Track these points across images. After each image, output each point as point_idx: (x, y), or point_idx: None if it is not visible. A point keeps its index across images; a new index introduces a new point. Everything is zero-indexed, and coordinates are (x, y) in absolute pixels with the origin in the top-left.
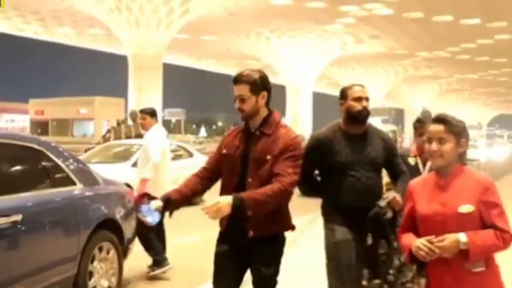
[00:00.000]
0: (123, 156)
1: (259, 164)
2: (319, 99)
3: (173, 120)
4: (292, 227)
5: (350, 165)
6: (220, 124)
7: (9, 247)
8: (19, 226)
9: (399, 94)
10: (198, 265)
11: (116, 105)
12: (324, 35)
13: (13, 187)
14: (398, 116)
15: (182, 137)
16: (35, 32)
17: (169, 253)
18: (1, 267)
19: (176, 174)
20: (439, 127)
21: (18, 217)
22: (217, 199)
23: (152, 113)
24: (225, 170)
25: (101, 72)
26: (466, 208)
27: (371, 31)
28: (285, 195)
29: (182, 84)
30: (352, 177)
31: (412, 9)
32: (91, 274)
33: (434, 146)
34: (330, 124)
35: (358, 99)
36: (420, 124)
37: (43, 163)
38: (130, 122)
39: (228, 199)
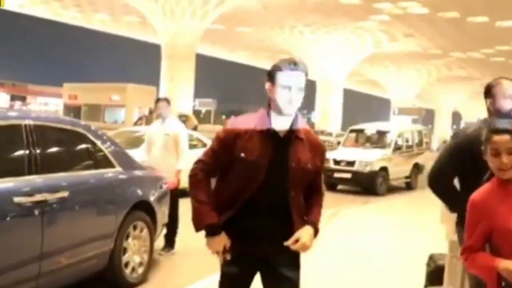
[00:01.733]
0: (132, 143)
1: (301, 175)
2: (350, 95)
3: (203, 110)
4: None
5: None
6: None
7: (55, 221)
8: (65, 202)
9: (431, 94)
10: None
11: (148, 93)
12: (358, 32)
13: (61, 166)
14: (428, 116)
15: (211, 127)
16: (72, 17)
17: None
18: (47, 239)
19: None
20: (506, 137)
21: (65, 194)
22: (300, 235)
23: (169, 101)
24: (239, 174)
25: (135, 60)
26: None
27: (405, 29)
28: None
29: (214, 75)
30: None
31: (447, 9)
32: (125, 250)
33: (505, 158)
34: (475, 122)
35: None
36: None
37: (87, 146)
38: None
39: (309, 232)
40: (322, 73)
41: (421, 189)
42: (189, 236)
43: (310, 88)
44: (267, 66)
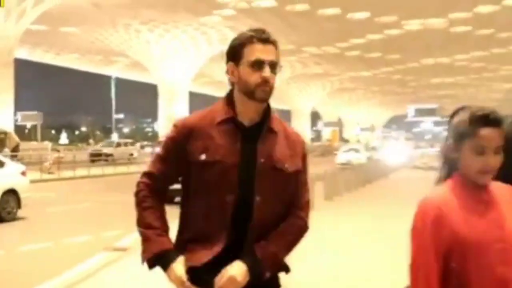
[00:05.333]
0: None
1: (273, 176)
2: (197, 99)
3: (28, 125)
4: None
5: None
6: (84, 129)
7: None
8: None
9: (286, 94)
10: None
11: None
12: (202, 29)
13: None
14: (284, 117)
15: (37, 144)
16: None
17: None
18: None
19: None
20: (496, 133)
21: None
22: (227, 271)
23: None
24: (207, 186)
25: None
26: None
27: (253, 24)
28: (305, 234)
29: (39, 83)
30: None
31: (296, 1)
32: None
33: (493, 159)
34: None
35: None
36: None
37: None
38: None
39: (241, 268)
40: (164, 76)
41: None
42: None
43: (152, 93)
44: (101, 70)
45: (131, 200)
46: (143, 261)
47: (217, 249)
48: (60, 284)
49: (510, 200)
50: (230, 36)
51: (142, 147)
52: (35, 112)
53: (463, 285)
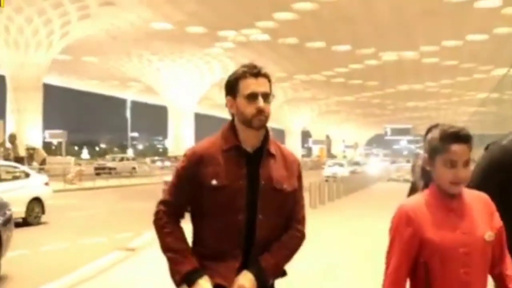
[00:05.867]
0: None
1: (273, 196)
2: (201, 120)
3: (55, 142)
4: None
5: None
6: (103, 145)
7: None
8: None
9: (280, 115)
10: None
11: None
12: (205, 58)
13: None
14: (278, 136)
15: (62, 159)
16: None
17: None
18: None
19: (12, 195)
20: (465, 148)
21: None
22: (238, 280)
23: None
24: (219, 208)
25: None
26: (489, 235)
27: (250, 54)
28: (302, 244)
29: (64, 105)
30: None
31: (287, 35)
32: None
33: (462, 171)
34: (508, 133)
35: None
36: None
37: None
38: (8, 144)
39: (249, 278)
40: (173, 100)
41: None
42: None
43: (163, 114)
44: (118, 93)
45: (142, 207)
46: (177, 283)
47: (236, 265)
48: (75, 278)
49: (481, 208)
50: (230, 65)
51: (153, 161)
52: (60, 131)
53: (429, 278)
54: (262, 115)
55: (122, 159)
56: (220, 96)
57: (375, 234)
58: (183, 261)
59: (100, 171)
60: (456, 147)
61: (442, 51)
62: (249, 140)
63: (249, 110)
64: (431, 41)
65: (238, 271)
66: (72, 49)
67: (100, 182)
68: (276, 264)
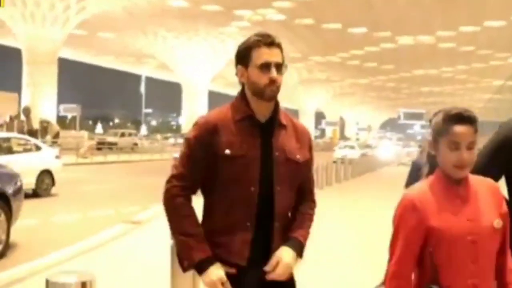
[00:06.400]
0: None
1: (288, 167)
2: (215, 98)
3: (69, 116)
4: None
5: None
6: (117, 121)
7: None
8: None
9: (294, 96)
10: None
11: (9, 100)
12: (221, 37)
13: None
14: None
15: (76, 133)
16: None
17: None
18: None
19: (23, 166)
20: (469, 130)
21: None
22: (279, 256)
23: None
24: (233, 179)
25: None
26: (498, 222)
27: None
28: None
29: (79, 80)
30: None
31: (303, 16)
32: None
33: (466, 154)
34: None
35: None
36: None
37: None
38: (23, 117)
39: (290, 253)
40: (187, 77)
41: None
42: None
43: (177, 91)
44: (133, 70)
45: (151, 182)
46: (185, 269)
47: (248, 238)
48: (79, 249)
49: (489, 194)
50: None
51: (166, 138)
52: (74, 105)
53: (435, 268)
54: (274, 85)
55: (123, 134)
56: (233, 75)
57: (379, 218)
58: (197, 247)
59: (101, 146)
60: (459, 128)
61: (458, 36)
62: (260, 110)
63: (262, 80)
64: (448, 26)
65: (251, 245)
66: (88, 24)
67: (112, 157)
68: (306, 237)
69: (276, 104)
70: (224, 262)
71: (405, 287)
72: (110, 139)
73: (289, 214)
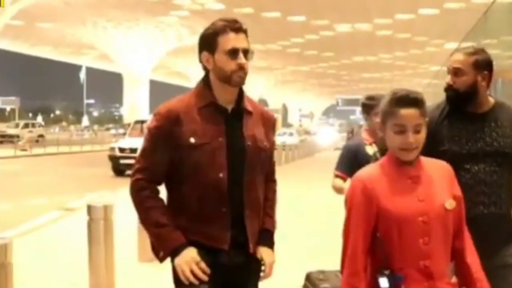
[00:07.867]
0: None
1: (258, 155)
2: (157, 87)
3: (8, 108)
4: None
5: (466, 156)
6: (58, 112)
7: None
8: None
9: None
10: None
11: None
12: (161, 26)
13: None
14: None
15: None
16: None
17: None
18: None
19: None
20: (415, 112)
21: None
22: (267, 262)
23: None
24: (197, 168)
25: None
26: (450, 203)
27: (205, 23)
28: None
29: (18, 72)
30: (467, 172)
31: (242, 5)
32: None
33: (411, 137)
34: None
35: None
36: (375, 102)
37: None
38: None
39: (271, 252)
40: (128, 67)
41: None
42: None
43: (118, 81)
44: (73, 60)
45: (88, 172)
46: (161, 259)
47: (227, 223)
48: (10, 234)
49: (442, 175)
50: (184, 33)
51: (108, 129)
52: (13, 98)
53: (387, 254)
54: (242, 71)
55: (26, 126)
56: (176, 64)
57: (311, 198)
58: (170, 236)
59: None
60: (404, 111)
61: (395, 24)
62: (225, 97)
63: (230, 66)
64: (385, 14)
65: (231, 229)
66: (25, 14)
67: (51, 149)
68: (275, 224)
69: (241, 91)
70: (205, 247)
71: (360, 283)
72: (11, 131)
73: (261, 200)
